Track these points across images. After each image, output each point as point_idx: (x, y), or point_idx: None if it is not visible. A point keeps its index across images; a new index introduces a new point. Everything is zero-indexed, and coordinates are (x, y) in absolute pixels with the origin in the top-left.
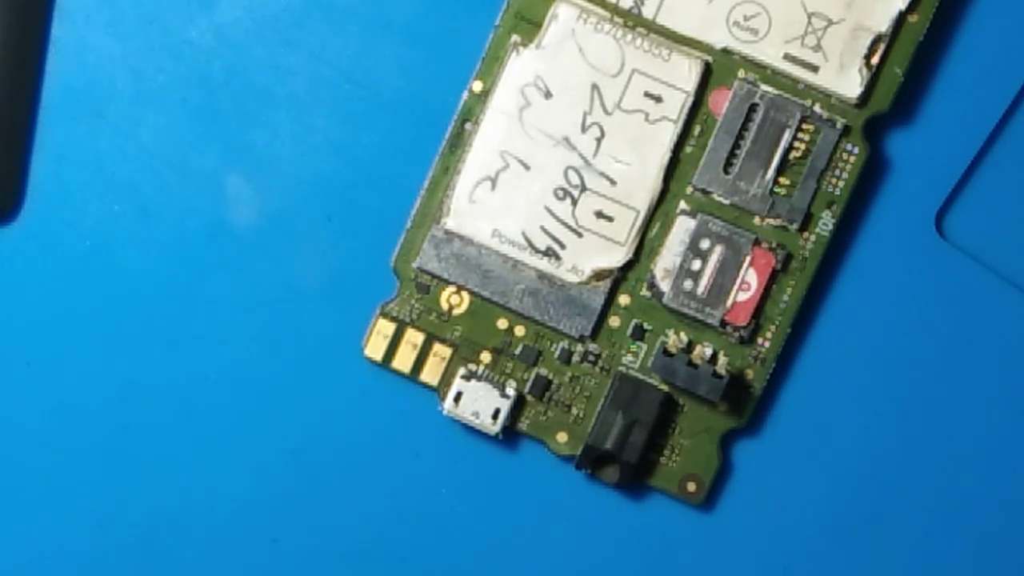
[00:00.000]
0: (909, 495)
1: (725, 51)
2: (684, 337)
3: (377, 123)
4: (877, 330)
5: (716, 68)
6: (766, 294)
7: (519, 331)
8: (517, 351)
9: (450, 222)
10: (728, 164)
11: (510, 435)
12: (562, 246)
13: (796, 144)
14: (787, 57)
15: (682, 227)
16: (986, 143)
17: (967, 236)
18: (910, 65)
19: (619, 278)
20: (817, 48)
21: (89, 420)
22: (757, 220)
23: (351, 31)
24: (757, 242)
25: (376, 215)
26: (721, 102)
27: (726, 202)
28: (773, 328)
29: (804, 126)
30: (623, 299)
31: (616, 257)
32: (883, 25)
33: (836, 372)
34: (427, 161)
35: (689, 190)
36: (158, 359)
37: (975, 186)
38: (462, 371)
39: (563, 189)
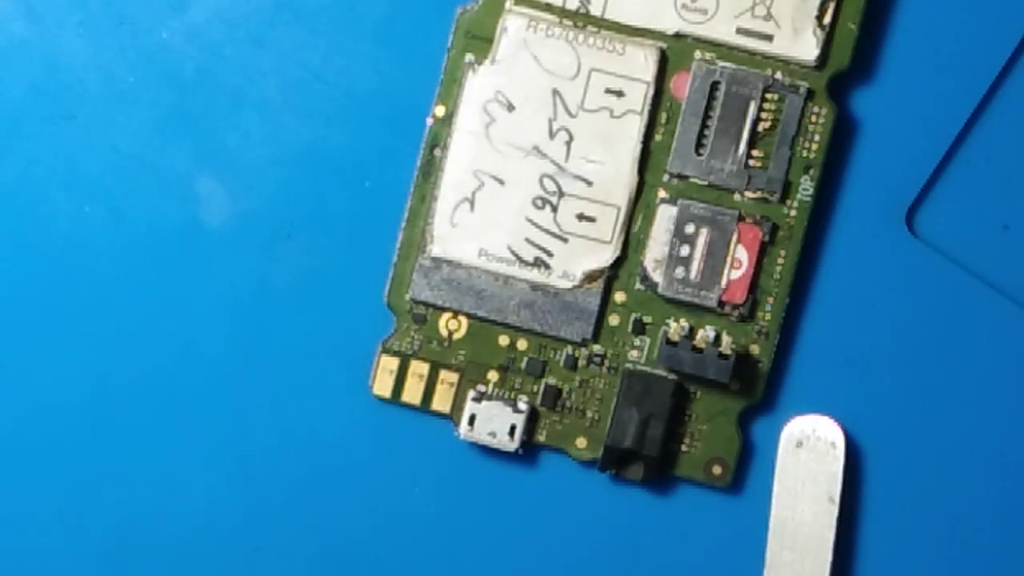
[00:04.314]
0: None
1: (678, 35)
2: (685, 324)
3: (349, 122)
4: (851, 323)
5: (672, 53)
6: (759, 268)
7: (521, 345)
8: (523, 365)
9: (435, 249)
10: (699, 145)
11: (530, 449)
12: (549, 254)
13: (763, 115)
14: (740, 31)
15: (665, 215)
16: (957, 139)
17: (937, 232)
18: (863, 19)
19: (611, 276)
20: (768, 17)
21: (62, 425)
22: (737, 196)
23: (321, 31)
24: (741, 218)
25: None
26: (682, 86)
27: (704, 183)
28: (771, 300)
29: (768, 95)
30: (618, 296)
31: (604, 256)
32: None
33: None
34: (399, 159)
35: (665, 178)
36: (130, 361)
37: (946, 182)
38: (472, 393)
39: (541, 198)
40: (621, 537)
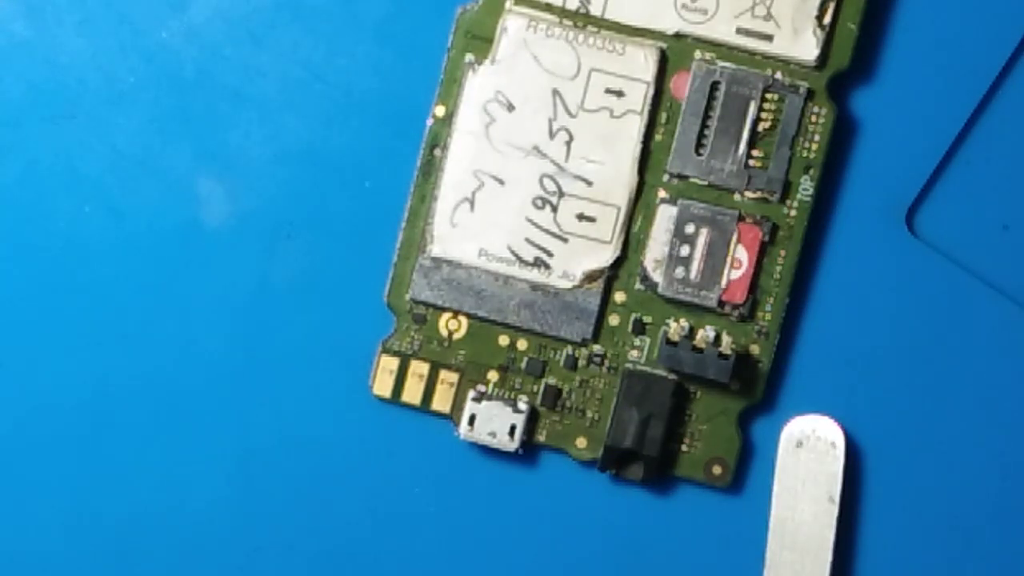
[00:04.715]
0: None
1: (678, 35)
2: (685, 324)
3: (349, 122)
4: (851, 323)
5: (672, 53)
6: (759, 268)
7: (521, 345)
8: (523, 365)
9: (435, 249)
10: (699, 145)
11: (530, 449)
12: (549, 254)
13: (763, 115)
14: (740, 31)
15: (665, 215)
16: (957, 139)
17: (937, 232)
18: (863, 19)
19: (611, 276)
20: (768, 17)
21: (62, 425)
22: (737, 196)
23: (321, 31)
24: (741, 218)
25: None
26: (682, 86)
27: (704, 183)
28: (771, 300)
29: (768, 95)
30: (618, 296)
31: (604, 256)
32: None
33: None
34: (399, 159)
35: (665, 178)
36: (130, 361)
37: (946, 182)
38: (472, 393)
39: (541, 198)
40: (621, 537)
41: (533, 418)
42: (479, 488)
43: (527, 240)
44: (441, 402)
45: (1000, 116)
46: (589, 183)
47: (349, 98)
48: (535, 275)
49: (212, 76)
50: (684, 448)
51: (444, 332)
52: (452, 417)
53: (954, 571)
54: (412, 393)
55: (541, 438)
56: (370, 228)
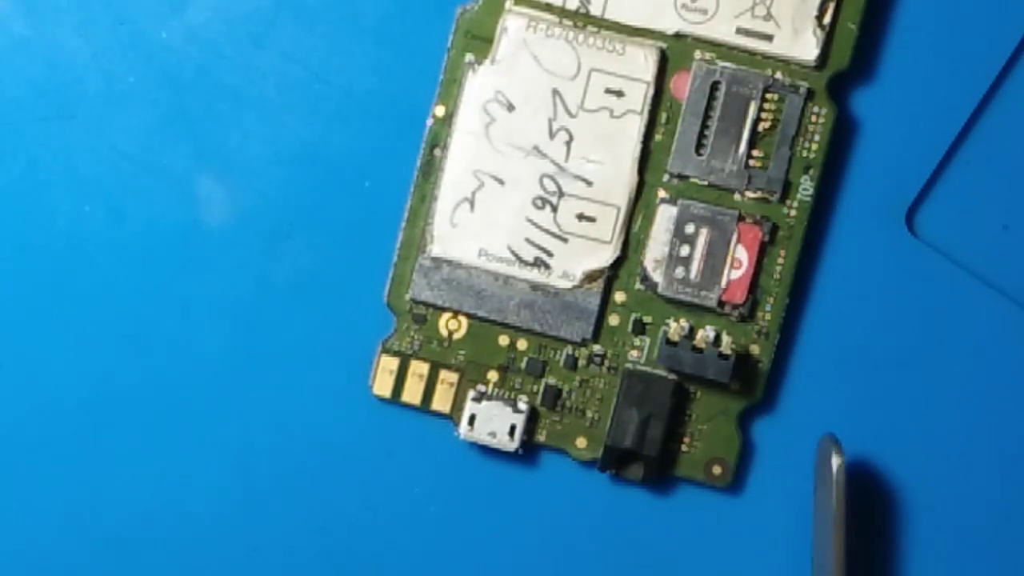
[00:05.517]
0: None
1: (678, 35)
2: (685, 324)
3: (349, 122)
4: (851, 323)
5: (672, 53)
6: (759, 268)
7: (521, 345)
8: (523, 365)
9: (435, 249)
10: (699, 145)
11: (530, 449)
12: (549, 254)
13: (763, 115)
14: (740, 31)
15: (664, 215)
16: (957, 139)
17: (937, 232)
18: (863, 18)
19: (611, 276)
20: (768, 17)
21: (62, 425)
22: (737, 196)
23: (321, 31)
24: (741, 218)
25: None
26: (682, 86)
27: (704, 183)
28: (771, 300)
29: (768, 95)
30: (618, 296)
31: (604, 256)
32: None
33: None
34: (399, 159)
35: (665, 178)
36: (130, 361)
37: (946, 182)
38: (472, 393)
39: (541, 198)
40: (621, 537)
41: (533, 418)
42: (479, 488)
43: (527, 240)
44: (441, 402)
45: (1000, 116)
46: (589, 183)
47: (349, 98)
48: (535, 275)
49: (212, 76)
50: (684, 448)
51: (444, 332)
52: (452, 417)
53: (954, 570)
54: (412, 393)
55: (541, 438)
56: (370, 228)
